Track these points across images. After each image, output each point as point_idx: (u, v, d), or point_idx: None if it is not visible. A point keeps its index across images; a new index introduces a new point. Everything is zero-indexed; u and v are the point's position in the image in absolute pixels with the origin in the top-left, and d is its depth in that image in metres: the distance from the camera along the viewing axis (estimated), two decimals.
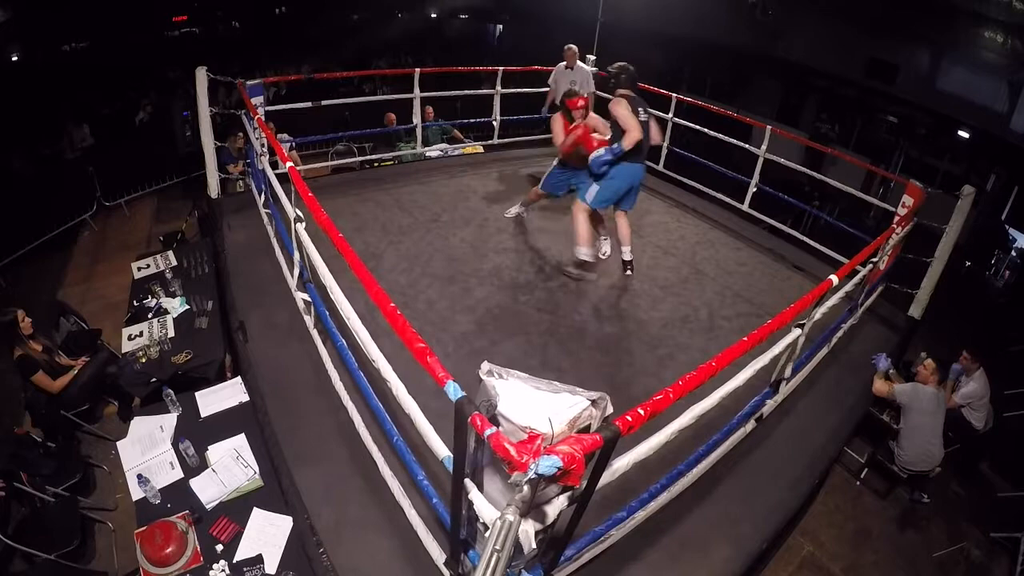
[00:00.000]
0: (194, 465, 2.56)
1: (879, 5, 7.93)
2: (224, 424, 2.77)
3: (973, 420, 3.93)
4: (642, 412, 1.46)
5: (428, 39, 15.13)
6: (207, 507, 2.39)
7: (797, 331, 2.61)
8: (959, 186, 3.68)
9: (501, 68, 5.85)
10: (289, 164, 2.89)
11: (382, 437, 2.33)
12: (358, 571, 2.14)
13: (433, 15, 16.04)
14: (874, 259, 3.45)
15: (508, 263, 4.16)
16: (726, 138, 5.32)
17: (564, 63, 5.44)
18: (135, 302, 3.72)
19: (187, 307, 3.65)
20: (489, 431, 1.28)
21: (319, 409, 2.77)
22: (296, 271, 3.10)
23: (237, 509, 2.38)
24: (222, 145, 5.00)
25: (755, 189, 5.11)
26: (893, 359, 3.64)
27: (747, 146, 5.17)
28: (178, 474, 2.53)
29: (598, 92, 5.40)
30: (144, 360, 3.23)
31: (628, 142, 3.59)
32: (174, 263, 4.12)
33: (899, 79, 8.12)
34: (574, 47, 5.36)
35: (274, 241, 3.83)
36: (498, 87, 5.89)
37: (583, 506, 1.58)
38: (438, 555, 1.98)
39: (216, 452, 2.62)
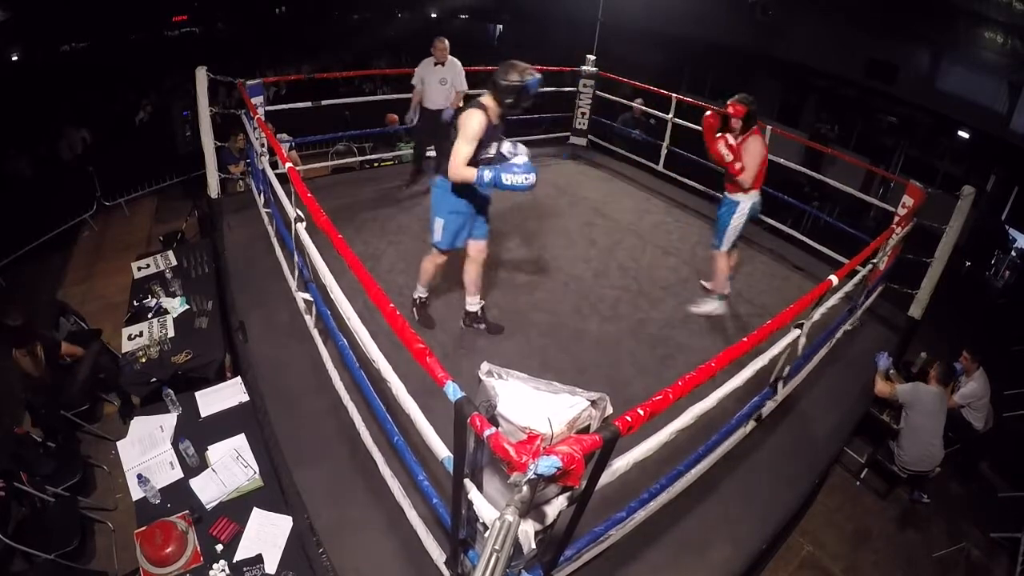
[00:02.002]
0: (194, 465, 2.56)
1: (879, 5, 7.94)
2: (224, 424, 2.77)
3: (973, 420, 3.94)
4: (642, 412, 1.45)
5: (428, 39, 15.14)
6: (207, 507, 2.39)
7: (797, 331, 2.61)
8: (959, 186, 3.68)
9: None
10: (288, 165, 2.89)
11: (382, 437, 2.33)
12: (358, 571, 2.14)
13: (433, 15, 16.05)
14: (874, 259, 3.45)
15: (508, 264, 4.16)
16: None
17: (432, 58, 4.81)
18: (135, 302, 3.72)
19: (187, 307, 3.65)
20: (488, 431, 1.28)
21: (319, 409, 2.77)
22: (296, 271, 3.10)
23: (237, 509, 2.38)
24: (222, 145, 5.00)
25: None
26: (893, 359, 3.64)
27: None
28: (178, 474, 2.53)
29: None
30: (144, 360, 3.23)
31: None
32: (174, 263, 4.12)
33: (899, 79, 8.12)
34: (445, 40, 4.79)
35: (274, 241, 3.83)
36: None
37: (583, 506, 1.58)
38: (438, 555, 1.98)
39: (216, 452, 2.62)
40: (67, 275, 6.01)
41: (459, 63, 4.90)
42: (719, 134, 3.36)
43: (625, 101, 6.59)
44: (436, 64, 4.84)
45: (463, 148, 2.64)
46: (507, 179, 2.60)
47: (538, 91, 2.68)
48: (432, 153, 5.28)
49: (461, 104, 4.87)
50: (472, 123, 2.62)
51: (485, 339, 3.36)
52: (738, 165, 3.32)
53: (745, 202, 3.47)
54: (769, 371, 2.64)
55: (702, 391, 1.80)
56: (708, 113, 3.45)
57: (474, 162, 2.68)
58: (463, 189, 2.84)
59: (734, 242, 3.63)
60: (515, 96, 2.63)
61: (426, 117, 5.00)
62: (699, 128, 5.29)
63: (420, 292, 3.34)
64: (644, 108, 6.47)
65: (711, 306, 3.75)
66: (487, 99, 2.69)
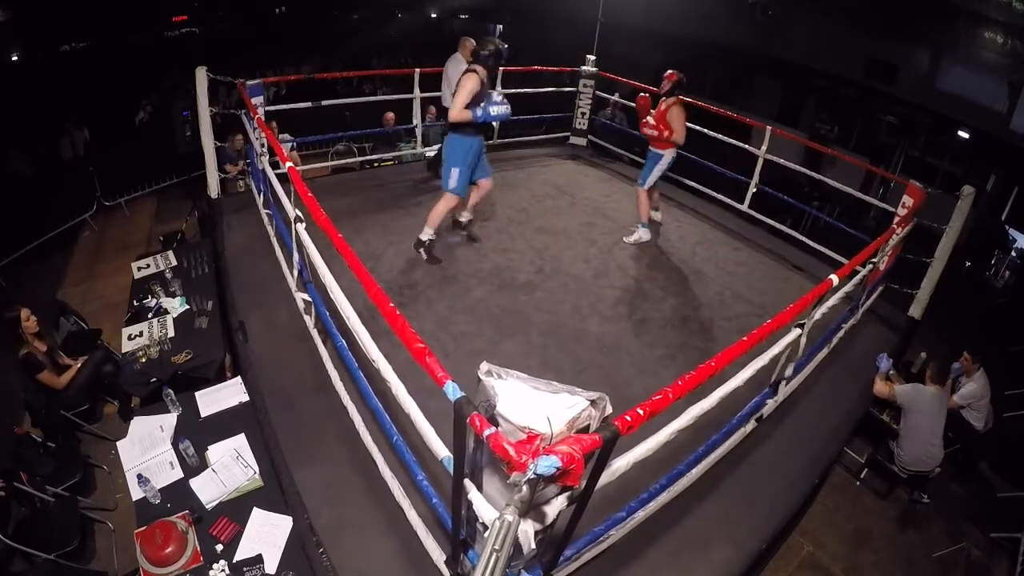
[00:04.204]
0: (194, 465, 2.56)
1: (879, 5, 7.93)
2: (224, 424, 2.77)
3: (973, 420, 3.93)
4: (641, 412, 1.45)
5: (428, 39, 15.14)
6: (207, 507, 2.39)
7: (797, 331, 2.61)
8: (959, 186, 3.68)
9: (501, 68, 5.84)
10: (288, 164, 2.89)
11: (382, 437, 2.34)
12: (358, 571, 2.14)
13: (433, 15, 16.06)
14: (874, 259, 3.45)
15: (508, 263, 4.16)
16: (726, 138, 5.33)
17: (461, 58, 5.03)
18: (135, 302, 3.72)
19: (187, 307, 3.65)
20: (488, 431, 1.28)
21: (319, 409, 2.77)
22: (296, 271, 3.10)
23: (237, 509, 2.38)
24: (222, 145, 5.00)
25: (755, 189, 5.11)
26: (893, 359, 3.63)
27: (747, 146, 5.17)
28: (178, 474, 2.53)
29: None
30: (144, 360, 3.23)
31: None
32: (174, 263, 4.12)
33: (899, 79, 8.11)
34: (472, 40, 4.92)
35: (274, 241, 3.83)
36: (498, 87, 5.89)
37: (582, 506, 1.58)
38: (438, 555, 1.98)
39: (216, 452, 2.62)
40: (67, 275, 6.01)
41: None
42: (643, 119, 4.30)
43: (624, 101, 6.64)
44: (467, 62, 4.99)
45: (462, 96, 3.55)
46: (493, 111, 3.57)
47: (506, 54, 3.69)
48: None
49: None
50: (469, 83, 3.54)
51: (484, 339, 3.36)
52: (666, 133, 4.15)
53: (668, 155, 4.31)
54: (770, 371, 2.64)
55: (702, 391, 1.80)
56: (640, 95, 4.43)
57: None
58: (468, 140, 3.72)
59: (655, 183, 4.47)
60: (493, 59, 3.65)
61: None
62: (699, 129, 5.41)
63: (429, 235, 3.96)
64: (619, 99, 6.75)
65: (639, 233, 4.58)
66: (476, 67, 3.62)
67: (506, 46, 3.64)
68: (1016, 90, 6.98)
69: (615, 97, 6.80)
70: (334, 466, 2.52)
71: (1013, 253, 8.15)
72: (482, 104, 3.56)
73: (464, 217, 4.35)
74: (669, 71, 4.23)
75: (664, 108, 4.19)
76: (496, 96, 3.65)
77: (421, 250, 3.98)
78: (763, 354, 2.26)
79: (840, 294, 2.91)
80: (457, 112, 3.55)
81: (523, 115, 6.43)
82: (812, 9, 8.85)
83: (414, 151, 6.12)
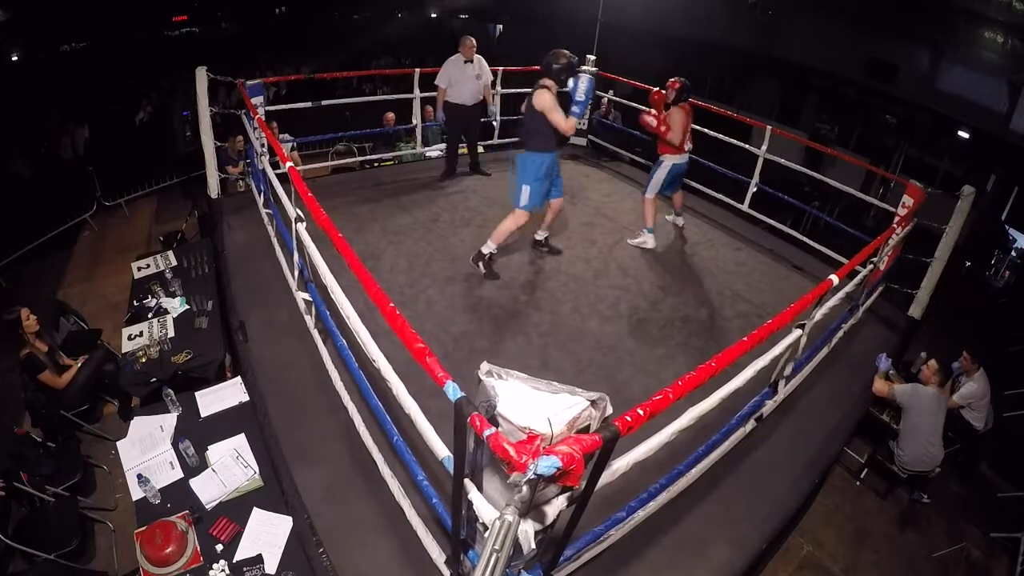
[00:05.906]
0: (194, 465, 2.56)
1: (879, 5, 7.93)
2: (224, 424, 2.77)
3: (973, 420, 3.93)
4: (641, 412, 1.45)
5: (428, 39, 15.15)
6: (207, 507, 2.39)
7: (797, 331, 2.61)
8: (959, 186, 3.68)
9: (501, 68, 5.85)
10: (289, 164, 2.89)
11: (382, 437, 2.34)
12: (358, 571, 2.14)
13: (433, 15, 16.07)
14: (874, 259, 3.45)
15: (508, 263, 4.16)
16: (726, 138, 5.32)
17: (460, 57, 5.05)
18: (135, 302, 3.72)
19: (187, 307, 3.65)
20: (488, 431, 1.28)
21: (319, 409, 2.77)
22: (296, 271, 3.10)
23: (237, 509, 2.37)
24: (222, 145, 5.00)
25: (755, 189, 5.11)
26: (893, 359, 3.63)
27: (747, 146, 5.17)
28: (178, 474, 2.53)
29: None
30: (144, 360, 3.23)
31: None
32: (174, 263, 4.12)
33: (899, 79, 8.11)
34: (472, 39, 5.09)
35: (274, 241, 3.83)
36: (498, 87, 5.89)
37: (582, 506, 1.58)
38: (438, 555, 1.98)
39: (216, 452, 2.62)
40: (67, 275, 6.01)
41: (483, 58, 5.17)
42: (647, 111, 4.34)
43: (618, 99, 6.66)
44: (466, 62, 5.08)
45: (558, 114, 3.47)
46: (580, 95, 3.44)
47: (578, 65, 3.57)
48: (463, 149, 5.61)
49: (492, 94, 5.36)
50: (549, 98, 3.46)
51: (485, 339, 3.36)
52: (663, 129, 4.24)
53: (668, 160, 4.37)
54: (770, 371, 2.64)
55: (702, 391, 1.80)
56: (656, 90, 4.40)
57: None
58: (541, 156, 3.61)
59: (658, 192, 4.50)
60: (566, 73, 3.49)
61: (458, 113, 5.19)
62: (700, 129, 5.40)
63: (491, 248, 3.88)
64: (613, 98, 6.84)
65: (643, 238, 4.58)
66: (546, 81, 3.51)
67: (577, 59, 3.54)
68: (1016, 90, 6.97)
69: (608, 95, 6.83)
70: (334, 466, 2.52)
71: (1013, 253, 8.15)
72: (571, 104, 3.45)
73: (540, 235, 4.29)
74: (672, 79, 4.26)
75: (670, 111, 4.27)
76: (576, 84, 3.51)
77: (480, 263, 3.89)
78: (763, 354, 2.26)
79: (840, 294, 2.91)
80: (566, 124, 3.48)
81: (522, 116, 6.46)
82: (812, 9, 8.85)
83: (414, 151, 6.12)
